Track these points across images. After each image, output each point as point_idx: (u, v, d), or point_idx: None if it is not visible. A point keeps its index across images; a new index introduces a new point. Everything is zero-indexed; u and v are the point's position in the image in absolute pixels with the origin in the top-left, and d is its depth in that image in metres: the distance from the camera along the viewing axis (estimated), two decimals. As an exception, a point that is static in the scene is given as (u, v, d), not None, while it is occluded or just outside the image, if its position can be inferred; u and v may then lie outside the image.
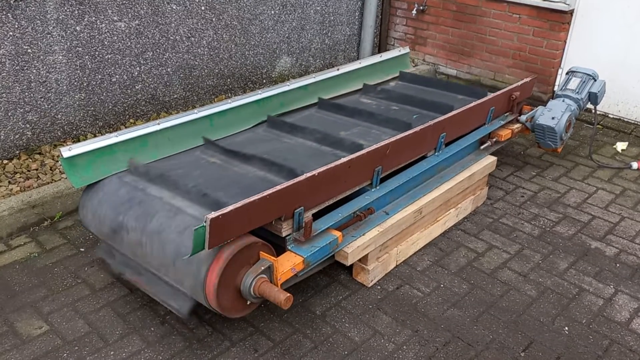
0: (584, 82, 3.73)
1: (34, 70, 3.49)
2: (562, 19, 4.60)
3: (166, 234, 2.21)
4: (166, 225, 2.23)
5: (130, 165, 2.62)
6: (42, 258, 2.89)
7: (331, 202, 2.52)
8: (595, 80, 3.75)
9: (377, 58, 3.96)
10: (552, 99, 3.82)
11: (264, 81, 4.91)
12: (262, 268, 2.15)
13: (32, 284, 2.71)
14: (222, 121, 3.02)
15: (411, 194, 2.93)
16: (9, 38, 3.32)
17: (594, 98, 3.74)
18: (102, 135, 3.54)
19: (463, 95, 3.73)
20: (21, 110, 3.51)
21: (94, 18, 3.66)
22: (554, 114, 3.60)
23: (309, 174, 2.30)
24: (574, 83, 3.75)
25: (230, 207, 2.01)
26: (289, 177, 2.45)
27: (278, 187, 2.18)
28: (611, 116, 4.73)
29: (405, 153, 2.84)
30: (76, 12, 3.57)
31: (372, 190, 2.71)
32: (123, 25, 3.83)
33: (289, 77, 5.09)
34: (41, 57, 3.50)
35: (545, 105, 3.73)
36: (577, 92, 3.71)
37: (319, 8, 5.08)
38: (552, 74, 4.83)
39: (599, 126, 4.65)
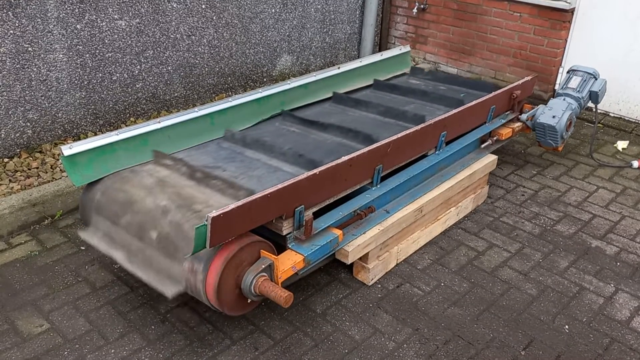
0: (585, 80, 3.73)
1: (35, 69, 3.49)
2: (563, 17, 4.60)
3: (266, 182, 2.41)
4: (267, 178, 2.42)
5: (226, 132, 2.97)
6: (42, 256, 2.89)
7: (332, 200, 2.52)
8: (596, 79, 3.75)
9: (377, 57, 3.95)
10: (553, 97, 3.82)
11: (265, 80, 4.91)
12: (263, 266, 2.15)
13: (33, 282, 2.71)
14: (222, 120, 3.02)
15: (412, 192, 2.93)
16: (9, 36, 3.32)
17: (594, 97, 3.74)
18: (102, 133, 3.55)
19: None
20: (22, 108, 3.51)
21: (94, 16, 3.66)
22: (554, 113, 3.60)
23: (309, 173, 2.30)
24: (574, 82, 3.75)
25: (232, 206, 2.01)
26: (365, 142, 2.80)
27: (279, 186, 2.18)
28: (612, 115, 4.73)
29: (406, 151, 2.84)
30: (77, 10, 3.57)
31: (373, 188, 2.71)
32: (124, 24, 3.83)
33: (290, 76, 5.09)
34: (42, 55, 3.50)
35: (546, 104, 3.72)
36: (578, 91, 3.71)
37: (319, 6, 5.08)
38: (553, 72, 4.82)
39: (599, 125, 4.65)
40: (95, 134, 3.91)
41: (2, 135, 3.48)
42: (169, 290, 2.14)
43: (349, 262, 2.54)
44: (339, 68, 3.66)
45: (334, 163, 2.40)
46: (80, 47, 3.66)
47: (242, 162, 2.71)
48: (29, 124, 3.58)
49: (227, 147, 2.89)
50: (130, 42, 3.90)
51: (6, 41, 3.31)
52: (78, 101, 3.77)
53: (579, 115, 4.26)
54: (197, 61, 4.35)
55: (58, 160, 3.56)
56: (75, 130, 3.83)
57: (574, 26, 4.67)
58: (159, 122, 2.78)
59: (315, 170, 2.32)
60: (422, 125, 2.87)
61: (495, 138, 3.49)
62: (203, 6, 4.23)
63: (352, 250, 2.52)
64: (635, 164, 3.97)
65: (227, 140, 2.95)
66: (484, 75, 5.22)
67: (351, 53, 5.59)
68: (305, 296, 2.66)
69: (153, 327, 2.46)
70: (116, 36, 3.81)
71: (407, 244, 2.91)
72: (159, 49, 4.08)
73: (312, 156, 2.67)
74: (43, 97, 3.59)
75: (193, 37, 4.26)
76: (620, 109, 4.67)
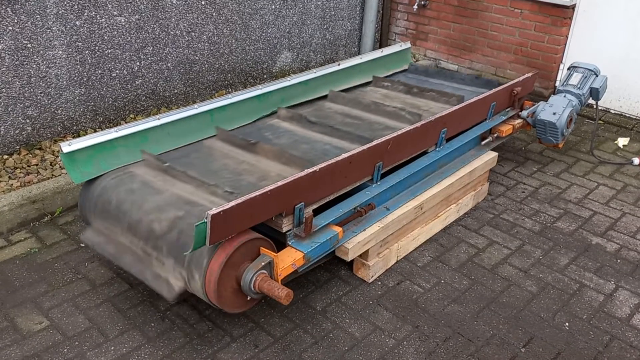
0: (586, 77, 3.72)
1: (34, 65, 3.48)
2: (563, 14, 4.58)
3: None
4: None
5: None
6: (42, 253, 2.89)
7: (332, 197, 2.52)
8: (596, 76, 3.74)
9: (378, 53, 3.94)
10: (554, 94, 3.81)
11: (265, 76, 4.90)
12: (263, 264, 2.14)
13: (33, 279, 2.71)
14: (222, 116, 3.02)
15: (412, 189, 2.92)
16: (8, 33, 3.31)
17: (595, 93, 3.73)
18: (102, 130, 3.55)
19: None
20: (21, 105, 3.51)
21: (93, 13, 3.65)
22: (555, 110, 3.59)
23: (309, 170, 2.29)
24: (575, 78, 3.74)
25: (232, 203, 2.01)
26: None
27: (279, 183, 2.18)
28: (612, 112, 4.72)
29: (406, 148, 2.83)
30: (76, 6, 3.55)
31: (373, 185, 2.71)
32: (123, 20, 3.82)
33: (290, 73, 5.08)
34: (41, 52, 3.49)
35: (546, 101, 3.71)
36: (579, 88, 3.70)
37: (319, 3, 5.06)
38: (554, 69, 4.81)
39: (600, 122, 4.64)
40: (95, 131, 3.90)
41: (2, 132, 3.47)
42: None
43: (349, 259, 2.54)
44: (339, 65, 3.65)
45: (333, 160, 2.40)
46: (80, 43, 3.65)
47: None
48: (28, 120, 3.57)
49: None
50: (129, 38, 3.89)
51: (5, 38, 3.30)
52: (77, 98, 3.77)
53: (580, 112, 4.25)
54: (196, 58, 4.34)
55: (58, 157, 3.56)
56: (74, 127, 3.82)
57: (575, 23, 4.66)
58: (159, 119, 2.77)
59: (315, 168, 2.31)
60: (423, 122, 2.86)
61: (495, 135, 3.49)
62: (203, 2, 4.21)
63: (352, 247, 2.51)
64: (636, 161, 3.96)
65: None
66: (484, 72, 5.21)
67: (351, 50, 5.58)
68: (305, 293, 2.66)
69: (153, 324, 2.45)
70: (115, 32, 3.80)
71: (407, 241, 2.90)
72: (158, 45, 4.07)
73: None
74: (42, 94, 3.59)
75: (193, 33, 4.25)
76: (621, 105, 4.66)
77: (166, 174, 2.53)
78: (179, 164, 2.62)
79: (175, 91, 4.31)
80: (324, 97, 3.53)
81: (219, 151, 2.80)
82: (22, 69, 3.44)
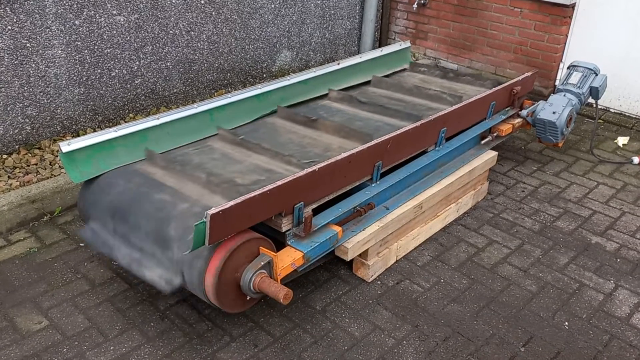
0: (586, 76, 3.72)
1: (33, 65, 3.48)
2: (563, 13, 4.58)
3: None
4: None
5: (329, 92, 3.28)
6: (41, 253, 2.89)
7: (331, 197, 2.51)
8: (596, 75, 3.74)
9: (378, 52, 3.94)
10: (553, 93, 3.80)
11: (264, 75, 4.90)
12: (262, 263, 2.14)
13: (32, 279, 2.71)
14: (222, 116, 3.01)
15: (411, 189, 2.92)
16: (7, 32, 3.30)
17: (595, 92, 3.73)
18: (101, 130, 3.54)
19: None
20: (20, 104, 3.50)
21: (92, 12, 3.65)
22: (555, 109, 3.59)
23: (309, 169, 2.29)
24: (575, 77, 3.74)
25: (231, 203, 2.00)
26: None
27: (278, 183, 2.17)
28: (612, 111, 4.71)
29: (405, 148, 2.83)
30: (75, 6, 3.55)
31: (373, 185, 2.70)
32: (122, 19, 3.81)
33: (289, 72, 5.07)
34: (40, 51, 3.48)
35: (546, 100, 3.71)
36: (579, 87, 3.69)
37: (319, 2, 5.05)
38: (554, 68, 4.81)
39: (600, 121, 4.63)
40: (94, 130, 3.90)
41: (1, 131, 3.47)
42: None
43: (348, 258, 2.54)
44: (338, 64, 3.64)
45: (333, 159, 2.40)
46: (79, 43, 3.64)
47: None
48: (27, 120, 3.57)
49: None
50: (129, 37, 3.89)
51: (4, 37, 3.30)
52: (77, 97, 3.76)
53: (579, 111, 4.24)
54: (196, 57, 4.33)
55: (57, 156, 3.55)
56: (74, 127, 3.82)
57: (575, 22, 4.65)
58: (158, 119, 2.77)
59: (315, 167, 2.31)
60: (422, 121, 2.86)
61: (495, 134, 3.48)
62: (202, 1, 4.21)
63: (352, 246, 2.51)
64: (636, 160, 3.96)
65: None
66: (484, 70, 5.21)
67: (351, 49, 5.58)
68: (304, 293, 2.66)
69: (152, 324, 2.45)
70: (115, 32, 3.80)
71: (406, 240, 2.90)
72: (157, 44, 4.06)
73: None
74: (42, 93, 3.58)
75: (192, 32, 4.24)
76: (621, 104, 4.65)
77: (242, 146, 2.79)
78: (249, 138, 2.87)
79: (175, 90, 4.31)
80: (350, 89, 3.63)
81: (282, 127, 3.05)
82: (21, 69, 3.43)
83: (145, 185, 2.42)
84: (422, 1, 5.42)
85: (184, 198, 2.31)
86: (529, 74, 3.76)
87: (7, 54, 3.35)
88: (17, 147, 3.57)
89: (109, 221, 2.38)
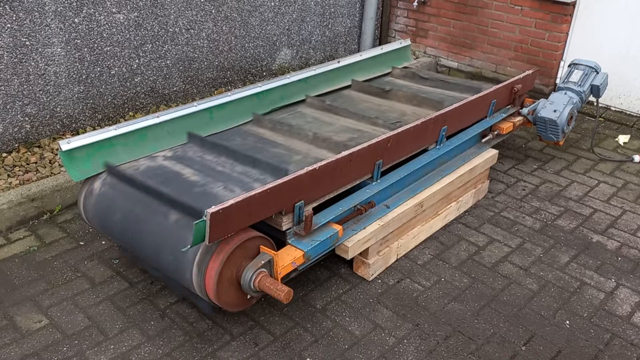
0: (586, 74, 3.71)
1: (33, 63, 3.47)
2: (564, 10, 4.57)
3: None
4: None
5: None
6: (41, 252, 2.88)
7: (332, 195, 2.51)
8: (597, 73, 3.73)
9: (378, 50, 3.93)
10: (554, 91, 3.80)
11: (264, 74, 4.89)
12: (262, 262, 2.14)
13: (32, 277, 2.70)
14: (221, 114, 3.01)
15: (412, 187, 2.91)
16: (6, 30, 3.29)
17: (596, 91, 3.72)
18: (101, 128, 3.54)
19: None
20: (20, 103, 3.49)
21: (92, 10, 3.63)
22: (556, 107, 3.58)
23: (309, 168, 2.28)
24: (576, 75, 3.73)
25: (231, 201, 2.00)
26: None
27: (279, 181, 2.17)
28: (613, 109, 4.71)
29: (406, 146, 2.82)
30: (74, 4, 3.54)
31: (373, 183, 2.70)
32: (122, 17, 3.80)
33: (289, 70, 5.06)
34: (39, 49, 3.47)
35: (547, 98, 3.70)
36: (580, 85, 3.68)
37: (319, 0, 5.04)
38: (554, 66, 4.80)
39: (600, 119, 4.63)
40: (94, 129, 3.89)
41: (0, 129, 3.46)
42: None
43: (349, 257, 2.53)
44: (338, 62, 3.63)
45: (333, 158, 2.39)
46: (79, 41, 3.63)
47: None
48: (27, 118, 3.56)
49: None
50: (128, 35, 3.88)
51: (3, 35, 3.29)
52: (76, 95, 3.75)
53: (580, 110, 4.24)
54: (196, 55, 4.32)
55: (57, 155, 3.54)
56: (73, 125, 3.81)
57: (576, 20, 4.64)
58: (158, 117, 2.76)
59: (315, 165, 2.30)
60: (423, 119, 2.85)
61: (496, 132, 3.48)
62: (202, -1, 4.20)
63: (352, 245, 2.51)
64: (637, 158, 3.96)
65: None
66: (484, 69, 5.20)
67: (351, 47, 5.57)
68: (305, 291, 2.65)
69: (152, 322, 2.45)
70: (114, 30, 3.79)
71: (407, 239, 2.89)
72: (157, 42, 4.05)
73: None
74: (41, 92, 3.57)
75: (192, 30, 4.23)
76: (622, 102, 4.65)
77: (329, 111, 3.18)
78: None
79: (175, 89, 4.30)
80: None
81: (358, 98, 3.41)
82: (20, 67, 3.42)
83: (260, 142, 2.82)
84: (422, -1, 5.40)
85: (296, 152, 2.72)
86: (530, 72, 3.75)
87: (7, 52, 3.33)
88: (16, 145, 3.57)
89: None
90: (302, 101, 3.32)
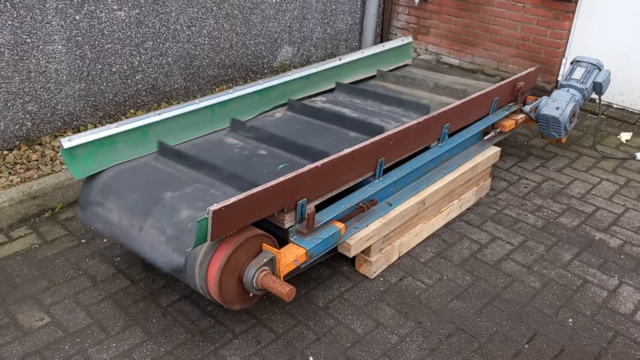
0: (589, 71, 3.69)
1: (34, 60, 3.46)
2: (566, 7, 4.55)
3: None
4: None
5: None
6: (43, 249, 2.88)
7: (334, 193, 2.50)
8: (600, 70, 3.71)
9: (379, 47, 3.92)
10: (557, 89, 3.79)
11: (265, 71, 4.88)
12: (265, 260, 2.13)
13: (33, 275, 2.70)
14: (223, 111, 3.00)
15: (414, 185, 2.91)
16: (7, 27, 3.28)
17: (598, 88, 3.70)
18: (102, 125, 3.52)
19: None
20: (21, 100, 3.49)
21: (93, 7, 3.62)
22: (558, 104, 3.57)
23: (311, 166, 2.28)
24: (578, 73, 3.71)
25: (233, 199, 1.99)
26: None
27: (281, 179, 2.16)
28: (615, 106, 4.69)
29: (408, 144, 2.81)
30: (75, 1, 3.53)
31: (375, 181, 2.69)
32: (123, 15, 3.79)
33: (291, 67, 5.05)
34: (40, 46, 3.46)
35: (549, 96, 3.69)
36: (582, 82, 3.67)
37: (320, -3, 5.03)
38: (556, 63, 4.78)
39: (603, 116, 4.61)
40: (95, 126, 3.88)
41: (2, 127, 3.45)
42: None
43: (351, 255, 2.52)
44: (340, 59, 3.62)
45: (336, 155, 2.38)
46: (80, 38, 3.62)
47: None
48: (28, 116, 3.55)
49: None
50: (129, 33, 3.86)
51: (4, 32, 3.28)
52: (77, 93, 3.74)
53: (583, 107, 4.23)
54: (197, 52, 4.31)
55: (58, 152, 3.54)
56: (75, 123, 3.80)
57: (578, 17, 4.63)
58: (159, 114, 2.75)
59: (318, 163, 2.29)
60: (425, 117, 2.84)
61: (498, 130, 3.47)
62: (203, -3, 4.19)
63: (355, 243, 2.50)
64: (639, 155, 3.94)
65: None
66: (486, 66, 5.18)
67: (352, 44, 5.55)
68: (307, 289, 2.65)
69: (154, 320, 2.44)
70: (115, 27, 3.78)
71: (409, 236, 2.89)
72: (158, 40, 4.04)
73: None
74: (42, 89, 3.56)
75: (193, 28, 4.22)
76: (624, 100, 4.63)
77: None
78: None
79: (176, 86, 4.29)
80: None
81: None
82: (21, 64, 3.41)
83: (389, 92, 3.33)
84: (424, -4, 5.39)
85: (421, 97, 3.39)
86: (532, 69, 3.74)
87: (8, 49, 3.33)
88: (17, 143, 3.56)
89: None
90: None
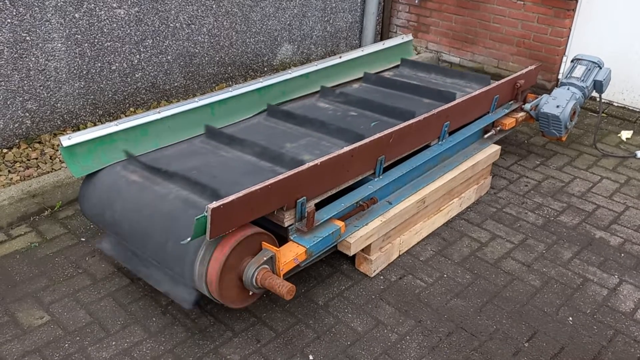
0: (589, 69, 3.69)
1: (33, 58, 3.45)
2: (567, 5, 4.54)
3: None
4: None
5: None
6: (42, 248, 2.87)
7: (334, 191, 2.50)
8: (600, 68, 3.71)
9: (379, 46, 3.91)
10: (557, 87, 3.78)
11: (265, 69, 4.87)
12: (265, 258, 2.13)
13: (33, 273, 2.69)
14: (223, 110, 2.99)
15: (414, 183, 2.90)
16: (7, 25, 3.28)
17: (599, 86, 3.70)
18: (102, 124, 3.52)
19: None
20: (20, 98, 3.48)
21: (92, 5, 3.61)
22: (558, 103, 3.56)
23: (311, 164, 2.27)
24: (579, 71, 3.71)
25: (232, 197, 1.99)
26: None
27: (280, 177, 2.16)
28: (616, 104, 4.69)
29: (408, 142, 2.81)
30: (75, -2, 3.52)
31: (375, 179, 2.69)
32: (122, 12, 3.78)
33: (291, 65, 5.04)
34: (40, 44, 3.45)
35: (549, 94, 3.68)
36: (582, 80, 3.66)
37: (320, -5, 5.02)
38: (557, 61, 4.78)
39: (603, 115, 4.61)
40: (95, 124, 3.88)
41: (1, 125, 3.45)
42: None
43: (351, 253, 2.52)
44: (340, 57, 3.62)
45: (335, 154, 2.38)
46: (79, 36, 3.62)
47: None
48: (27, 114, 3.55)
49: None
50: (129, 31, 3.86)
51: (3, 30, 3.27)
52: (77, 91, 3.74)
53: (583, 105, 4.22)
54: (196, 50, 4.31)
55: (57, 150, 3.53)
56: (74, 121, 3.80)
57: (578, 14, 4.62)
58: (159, 112, 2.75)
59: (317, 161, 2.29)
60: (425, 115, 2.83)
61: (498, 128, 3.46)
62: (203, -6, 4.18)
63: (355, 241, 2.50)
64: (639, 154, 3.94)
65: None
66: (486, 64, 5.17)
67: (352, 42, 5.54)
68: (307, 288, 2.65)
69: (154, 319, 2.44)
70: (115, 25, 3.77)
71: (409, 235, 2.88)
72: (158, 38, 4.04)
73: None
74: (42, 87, 3.56)
75: (193, 25, 4.21)
76: (625, 98, 4.63)
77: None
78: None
79: (176, 84, 4.28)
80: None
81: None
82: (21, 62, 3.41)
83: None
84: (424, -6, 5.38)
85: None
86: (532, 67, 3.73)
87: (7, 47, 3.32)
88: (17, 141, 3.55)
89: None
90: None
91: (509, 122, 3.51)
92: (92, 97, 3.83)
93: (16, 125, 3.52)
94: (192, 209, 2.15)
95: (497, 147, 3.35)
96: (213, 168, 2.51)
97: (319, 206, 2.43)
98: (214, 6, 4.28)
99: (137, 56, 3.97)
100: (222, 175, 2.44)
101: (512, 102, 3.66)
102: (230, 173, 2.46)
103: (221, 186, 2.30)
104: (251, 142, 2.63)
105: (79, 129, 3.80)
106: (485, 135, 3.41)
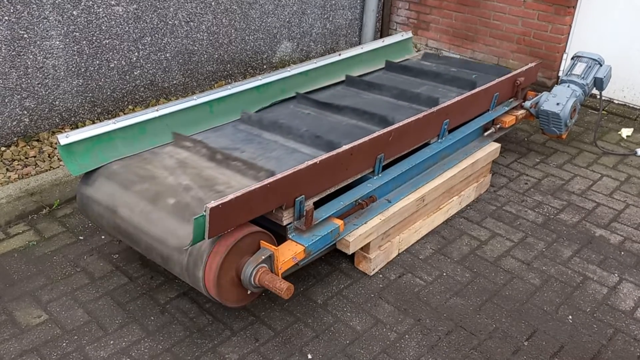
0: (590, 67, 3.67)
1: (31, 56, 3.44)
2: (567, 2, 4.52)
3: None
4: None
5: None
6: (40, 246, 2.87)
7: (333, 190, 2.48)
8: (601, 66, 3.69)
9: (379, 43, 3.90)
10: (557, 84, 3.76)
11: (265, 67, 4.85)
12: (263, 257, 2.12)
13: (31, 272, 2.69)
14: (222, 107, 2.98)
15: (414, 181, 2.89)
16: (4, 23, 3.26)
17: (599, 83, 3.68)
18: (100, 122, 3.51)
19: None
20: (18, 96, 3.47)
21: (91, 2, 3.60)
22: (558, 100, 3.55)
23: (309, 162, 2.26)
24: (579, 68, 3.69)
25: (231, 196, 1.98)
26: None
27: (279, 176, 2.14)
28: (616, 102, 4.67)
29: (408, 140, 2.80)
30: (73, -4, 3.50)
31: (374, 178, 2.67)
32: (121, 10, 3.77)
33: (290, 63, 5.03)
34: (38, 42, 3.44)
35: (550, 91, 3.67)
36: (583, 78, 3.65)
37: (320, -8, 5.00)
38: (557, 59, 4.76)
39: (604, 112, 4.59)
40: (93, 122, 3.87)
41: (-1, 123, 3.44)
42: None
43: (350, 252, 2.51)
44: (339, 55, 3.60)
45: (334, 152, 2.37)
46: (77, 33, 3.60)
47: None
48: (25, 112, 3.53)
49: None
50: (127, 28, 3.84)
51: (1, 28, 3.26)
52: (75, 89, 3.73)
53: (583, 103, 4.21)
54: (195, 48, 4.29)
55: (56, 148, 3.52)
56: (72, 119, 3.79)
57: (579, 12, 4.60)
58: (157, 110, 2.74)
59: (316, 160, 2.28)
60: (424, 113, 2.82)
61: (498, 126, 3.45)
62: (201, -8, 4.16)
63: (354, 240, 2.49)
64: (640, 151, 3.93)
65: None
66: (486, 61, 5.15)
67: (352, 39, 5.52)
68: (306, 286, 2.64)
69: (152, 318, 2.43)
70: (113, 22, 3.75)
71: (408, 233, 2.88)
72: (157, 35, 4.02)
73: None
74: (40, 85, 3.54)
75: (191, 23, 4.19)
76: (625, 95, 4.61)
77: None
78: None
79: (174, 82, 4.27)
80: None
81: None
82: (18, 60, 3.39)
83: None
84: (424, -9, 5.35)
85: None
86: (533, 64, 3.71)
87: (5, 44, 3.31)
88: (15, 139, 3.54)
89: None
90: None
91: (509, 120, 3.50)
92: (90, 94, 3.82)
93: (14, 123, 3.51)
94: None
95: (497, 145, 3.34)
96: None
97: (317, 205, 2.42)
98: (212, 3, 4.26)
99: (136, 54, 3.95)
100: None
101: (512, 99, 3.65)
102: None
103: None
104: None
105: (77, 127, 3.78)
106: (485, 133, 3.40)
